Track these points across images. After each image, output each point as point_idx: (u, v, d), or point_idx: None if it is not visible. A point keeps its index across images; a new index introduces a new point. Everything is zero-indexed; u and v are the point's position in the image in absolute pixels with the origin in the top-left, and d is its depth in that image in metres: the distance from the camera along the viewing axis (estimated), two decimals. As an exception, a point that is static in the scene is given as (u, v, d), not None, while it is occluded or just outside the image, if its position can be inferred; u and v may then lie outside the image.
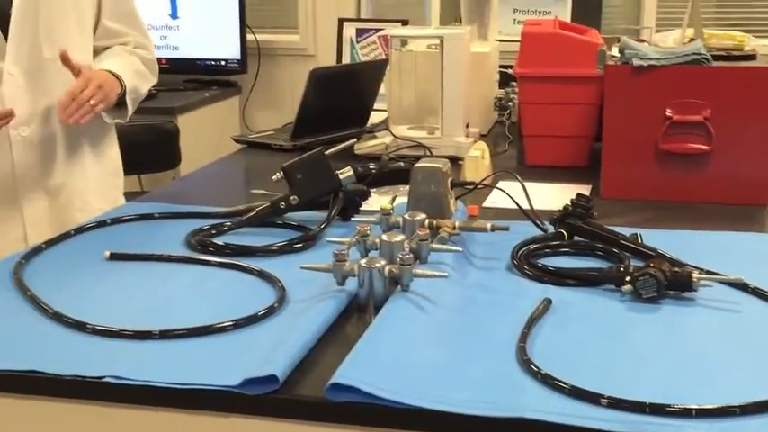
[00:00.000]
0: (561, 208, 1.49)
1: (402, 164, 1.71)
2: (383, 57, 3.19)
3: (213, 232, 1.56)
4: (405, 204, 1.51)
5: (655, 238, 1.44)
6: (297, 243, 1.50)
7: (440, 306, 1.22)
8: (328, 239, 1.42)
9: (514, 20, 3.60)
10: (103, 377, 1.04)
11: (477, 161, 1.93)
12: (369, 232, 1.34)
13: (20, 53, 1.93)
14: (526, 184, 1.59)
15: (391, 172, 1.69)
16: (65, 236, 1.58)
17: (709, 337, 1.16)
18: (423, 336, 1.14)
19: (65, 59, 1.88)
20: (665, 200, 1.79)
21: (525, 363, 1.05)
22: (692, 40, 1.99)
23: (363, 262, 1.25)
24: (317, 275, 1.27)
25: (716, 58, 1.82)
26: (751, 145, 1.76)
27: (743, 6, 3.54)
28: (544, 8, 3.58)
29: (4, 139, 1.92)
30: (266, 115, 3.83)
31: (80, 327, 1.17)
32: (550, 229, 1.49)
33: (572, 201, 1.48)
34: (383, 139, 2.20)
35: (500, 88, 2.61)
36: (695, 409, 0.94)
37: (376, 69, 2.51)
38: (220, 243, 1.50)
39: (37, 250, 1.49)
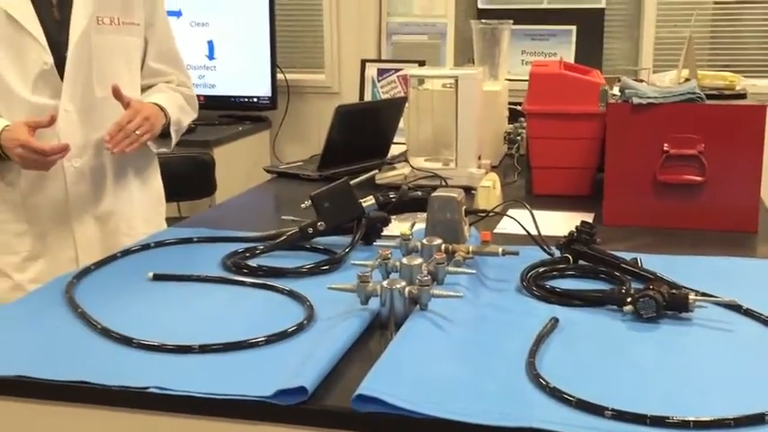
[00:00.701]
0: (567, 234, 1.48)
1: (420, 193, 1.71)
2: (402, 94, 3.20)
3: (247, 255, 1.57)
4: (423, 230, 1.51)
5: (653, 263, 1.44)
6: (324, 265, 1.50)
7: (455, 324, 1.22)
8: (353, 262, 1.43)
9: (522, 61, 3.61)
10: (148, 388, 1.04)
11: (489, 191, 1.94)
12: (390, 256, 1.34)
13: (74, 92, 1.95)
14: (534, 211, 1.59)
15: (410, 200, 1.69)
16: (112, 258, 1.58)
17: (705, 354, 1.15)
18: (440, 351, 1.14)
19: (116, 93, 1.90)
20: (662, 227, 1.78)
21: (534, 377, 1.05)
22: (686, 80, 1.99)
23: (385, 283, 1.25)
24: (342, 295, 1.27)
25: (709, 96, 1.82)
26: (741, 176, 1.75)
27: (734, 49, 3.54)
28: (550, 50, 3.59)
29: (58, 170, 1.94)
30: (295, 148, 3.84)
31: (126, 341, 1.17)
32: (557, 253, 1.49)
33: (577, 227, 1.48)
34: (402, 170, 2.20)
35: (509, 123, 2.61)
36: (692, 421, 0.94)
37: (395, 106, 2.52)
38: (254, 265, 1.50)
39: (87, 271, 1.50)
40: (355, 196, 1.62)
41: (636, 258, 1.44)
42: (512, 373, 1.07)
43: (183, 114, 2.11)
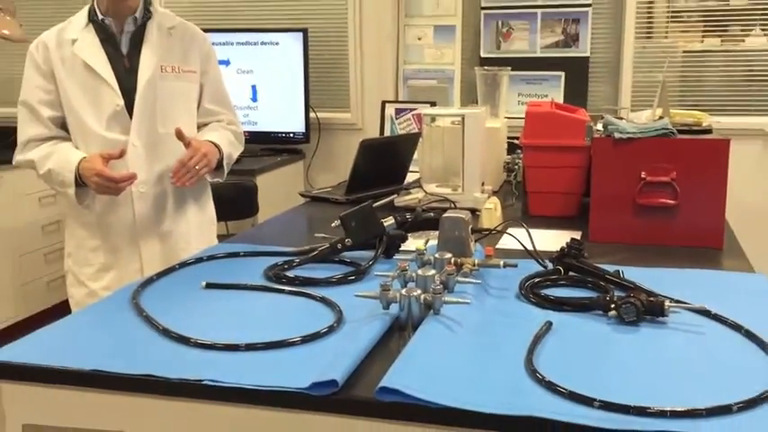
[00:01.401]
0: (558, 249, 1.48)
1: (432, 214, 1.70)
2: (416, 130, 3.20)
3: (285, 267, 1.57)
4: (435, 246, 1.50)
5: (633, 274, 1.43)
6: (351, 276, 1.50)
7: (464, 327, 1.21)
8: (376, 273, 1.42)
9: (519, 101, 3.61)
10: (202, 380, 1.04)
11: (491, 212, 1.93)
12: (407, 268, 1.34)
13: (141, 130, 1.97)
14: (530, 230, 1.59)
15: (424, 220, 1.69)
16: (171, 269, 1.59)
17: (679, 353, 1.14)
18: (451, 350, 1.13)
19: (179, 135, 1.92)
20: (640, 243, 1.77)
21: (532, 372, 1.04)
22: (660, 117, 1.98)
23: (403, 291, 1.25)
24: (367, 301, 1.27)
25: (680, 131, 1.81)
26: (708, 200, 1.74)
27: (700, 91, 3.52)
28: (542, 92, 3.59)
29: (127, 195, 1.96)
30: (325, 175, 3.85)
31: (184, 341, 1.18)
32: (550, 265, 1.49)
33: (567, 243, 1.47)
34: (417, 195, 2.20)
35: (508, 155, 2.60)
36: (669, 411, 0.93)
37: (411, 140, 2.52)
38: (291, 275, 1.50)
39: (150, 280, 1.51)
40: (377, 217, 1.62)
41: (618, 270, 1.43)
42: (512, 369, 1.06)
43: (232, 149, 2.12)
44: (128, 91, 1.95)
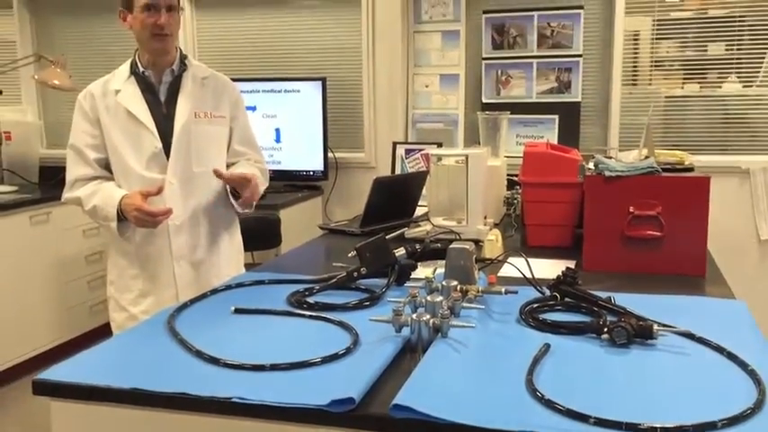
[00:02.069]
0: (555, 277, 1.47)
1: (439, 245, 1.70)
2: (425, 169, 3.21)
3: (306, 293, 1.57)
4: (442, 274, 1.50)
5: (624, 300, 1.42)
6: (366, 302, 1.50)
7: (470, 348, 1.21)
8: (388, 299, 1.42)
9: (517, 142, 3.62)
10: (231, 398, 1.04)
11: (493, 243, 1.93)
12: (417, 294, 1.33)
13: (176, 168, 1.99)
14: (529, 259, 1.58)
15: (432, 251, 1.68)
16: (203, 296, 1.59)
17: (667, 373, 1.13)
18: (458, 370, 1.13)
19: (218, 174, 1.93)
20: (630, 271, 1.76)
21: (532, 390, 1.03)
22: (646, 157, 1.98)
23: (414, 316, 1.25)
24: (380, 325, 1.27)
25: (665, 170, 1.81)
26: (691, 232, 1.74)
27: (682, 132, 3.52)
28: (538, 134, 3.60)
29: (164, 228, 1.97)
30: (342, 210, 3.86)
31: (214, 361, 1.17)
32: (547, 292, 1.48)
33: (562, 272, 1.47)
34: (425, 227, 2.21)
35: (508, 190, 2.61)
36: (659, 427, 0.92)
37: (419, 177, 2.53)
38: (311, 301, 1.50)
39: (184, 306, 1.51)
40: (390, 248, 1.62)
41: (610, 296, 1.43)
42: (514, 388, 1.06)
43: (261, 185, 2.13)
44: (165, 134, 1.98)
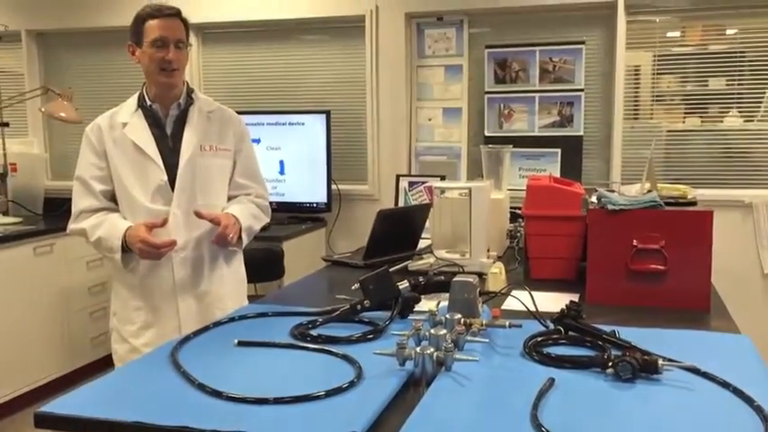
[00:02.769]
0: (559, 310, 1.47)
1: (443, 277, 1.70)
2: (428, 201, 3.22)
3: (309, 326, 1.56)
4: (446, 307, 1.50)
5: (628, 334, 1.42)
6: (369, 335, 1.49)
7: (473, 382, 1.21)
8: (392, 332, 1.42)
9: (520, 175, 3.63)
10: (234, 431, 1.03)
11: (497, 276, 1.93)
12: (421, 327, 1.33)
13: (181, 200, 2.00)
14: (532, 292, 1.58)
15: (436, 283, 1.69)
16: (206, 328, 1.58)
17: (672, 407, 1.12)
18: (462, 404, 1.12)
19: (199, 215, 1.93)
20: (634, 305, 1.76)
21: (537, 426, 1.03)
22: (649, 191, 1.99)
23: (418, 349, 1.24)
24: (384, 358, 1.26)
25: (667, 203, 1.82)
26: (695, 266, 1.74)
27: (684, 166, 3.54)
28: (541, 167, 3.62)
29: (168, 260, 1.97)
30: (345, 242, 3.86)
31: (217, 394, 1.17)
32: (551, 326, 1.48)
33: (566, 305, 1.47)
34: (429, 260, 2.20)
35: (511, 223, 2.62)
36: (665, 463, 0.91)
37: (423, 210, 2.54)
38: (315, 334, 1.49)
39: (187, 338, 1.50)
40: (393, 280, 1.62)
41: (614, 330, 1.42)
42: (518, 422, 1.05)
43: (254, 221, 2.09)
44: (171, 167, 1.99)
